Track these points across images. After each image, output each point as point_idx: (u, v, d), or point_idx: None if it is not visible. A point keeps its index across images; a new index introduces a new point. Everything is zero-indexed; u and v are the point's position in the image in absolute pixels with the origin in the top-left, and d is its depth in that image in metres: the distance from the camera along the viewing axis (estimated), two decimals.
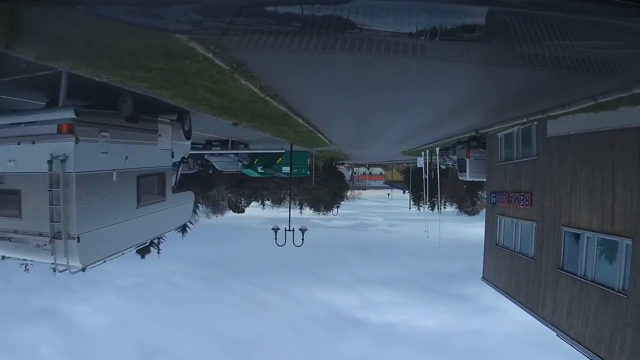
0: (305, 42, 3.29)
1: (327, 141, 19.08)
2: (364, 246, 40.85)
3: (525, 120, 14.03)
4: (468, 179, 20.40)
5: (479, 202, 53.32)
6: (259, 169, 30.44)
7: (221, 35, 3.70)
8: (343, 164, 42.59)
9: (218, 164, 23.40)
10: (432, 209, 36.31)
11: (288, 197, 43.46)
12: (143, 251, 43.89)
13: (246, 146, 22.14)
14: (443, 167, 31.66)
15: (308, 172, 30.09)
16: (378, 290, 36.62)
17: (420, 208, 56.78)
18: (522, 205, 15.07)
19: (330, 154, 30.87)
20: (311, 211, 40.80)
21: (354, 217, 46.26)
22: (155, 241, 45.23)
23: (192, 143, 21.57)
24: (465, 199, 46.46)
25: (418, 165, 34.98)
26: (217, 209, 46.61)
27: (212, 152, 20.19)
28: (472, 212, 50.76)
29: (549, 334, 12.82)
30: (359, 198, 51.99)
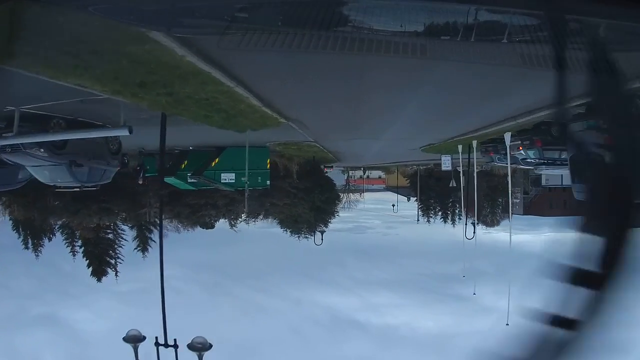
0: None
1: (257, 103, 7.24)
2: (363, 249, 37.26)
3: None
4: None
5: (499, 212, 49.80)
6: (189, 177, 18.66)
7: None
8: (332, 166, 30.39)
9: (36, 171, 11.10)
10: (472, 235, 24.55)
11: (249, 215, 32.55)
12: (98, 274, 40.47)
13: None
14: (479, 168, 24.10)
15: (268, 182, 18.17)
16: (378, 292, 32.78)
17: (431, 220, 49.62)
18: None
19: (305, 148, 18.76)
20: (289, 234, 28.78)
21: (352, 220, 41.34)
22: (113, 262, 41.49)
23: None
24: (484, 208, 41.16)
25: (443, 168, 23.63)
26: (186, 224, 41.92)
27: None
28: (491, 223, 46.07)
29: None
30: (357, 204, 44.26)
